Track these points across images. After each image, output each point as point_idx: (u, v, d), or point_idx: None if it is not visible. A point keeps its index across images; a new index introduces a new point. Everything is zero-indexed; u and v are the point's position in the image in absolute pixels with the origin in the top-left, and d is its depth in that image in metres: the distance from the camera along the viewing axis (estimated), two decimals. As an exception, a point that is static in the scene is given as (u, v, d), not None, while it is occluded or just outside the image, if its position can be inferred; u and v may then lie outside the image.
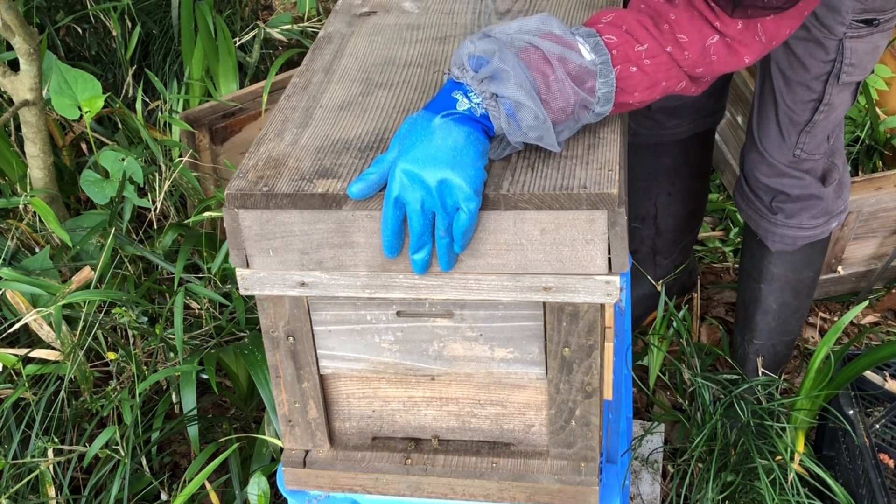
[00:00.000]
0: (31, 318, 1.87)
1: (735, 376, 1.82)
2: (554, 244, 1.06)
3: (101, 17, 2.75)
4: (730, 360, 1.99)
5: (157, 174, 2.24)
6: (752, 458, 1.64)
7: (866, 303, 1.85)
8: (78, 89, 2.15)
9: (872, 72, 1.59)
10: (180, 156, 2.33)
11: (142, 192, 2.25)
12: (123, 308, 1.90)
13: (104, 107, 2.34)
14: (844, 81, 1.55)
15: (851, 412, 1.72)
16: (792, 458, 1.68)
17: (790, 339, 1.95)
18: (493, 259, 1.08)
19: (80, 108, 2.15)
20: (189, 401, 1.82)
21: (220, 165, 2.47)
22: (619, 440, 1.43)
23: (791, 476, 1.63)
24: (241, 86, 2.68)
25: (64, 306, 1.86)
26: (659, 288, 2.05)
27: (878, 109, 2.40)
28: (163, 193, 2.22)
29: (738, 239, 2.48)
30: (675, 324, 2.02)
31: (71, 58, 2.79)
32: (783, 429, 1.70)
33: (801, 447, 1.77)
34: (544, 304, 1.12)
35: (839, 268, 2.25)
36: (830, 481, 1.66)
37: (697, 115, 1.97)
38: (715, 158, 2.52)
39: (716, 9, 1.09)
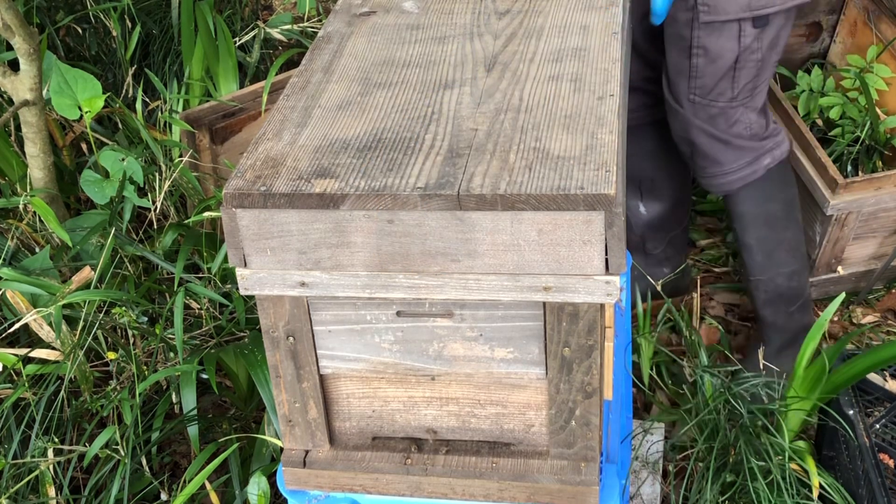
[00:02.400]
0: (31, 318, 1.87)
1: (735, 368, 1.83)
2: (551, 245, 1.06)
3: (102, 17, 2.75)
4: (729, 356, 2.00)
5: (157, 174, 2.24)
6: (749, 459, 1.64)
7: (843, 296, 1.85)
8: (78, 89, 2.15)
9: (742, 21, 1.69)
10: (180, 156, 2.33)
11: (142, 192, 2.25)
12: (123, 308, 1.90)
13: (104, 107, 2.34)
14: (704, 21, 1.68)
15: (851, 412, 1.72)
16: (791, 460, 1.68)
17: (787, 271, 2.00)
18: (490, 259, 1.08)
19: (80, 109, 2.15)
20: (189, 401, 1.82)
21: (220, 165, 2.47)
22: (619, 440, 1.43)
23: (787, 474, 1.63)
24: (241, 86, 2.68)
25: (64, 306, 1.86)
26: (658, 287, 2.06)
27: (878, 109, 2.40)
28: (163, 193, 2.22)
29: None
30: (674, 322, 2.03)
31: (71, 58, 2.79)
32: (779, 429, 1.70)
33: (803, 448, 1.77)
34: (544, 304, 1.12)
35: (839, 268, 2.25)
36: (829, 480, 1.66)
37: (646, 104, 2.03)
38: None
39: None
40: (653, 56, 1.96)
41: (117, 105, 2.44)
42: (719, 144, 1.83)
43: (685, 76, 1.77)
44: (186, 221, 2.15)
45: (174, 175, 2.21)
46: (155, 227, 2.27)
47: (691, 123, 1.81)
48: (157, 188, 2.23)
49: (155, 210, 2.25)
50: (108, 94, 2.30)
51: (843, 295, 1.82)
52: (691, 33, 1.71)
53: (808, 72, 2.55)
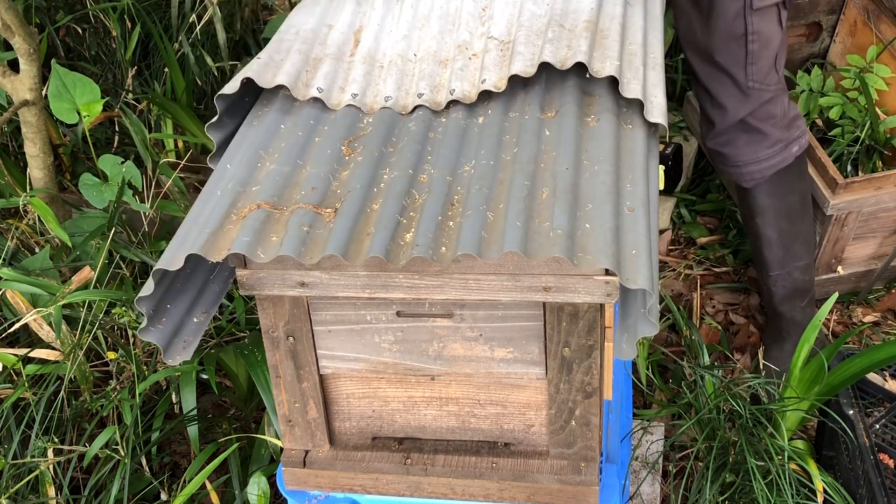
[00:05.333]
0: (31, 318, 1.87)
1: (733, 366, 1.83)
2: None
3: (101, 17, 2.75)
4: (729, 356, 1.99)
5: (149, 176, 2.24)
6: (749, 459, 1.64)
7: (836, 296, 1.85)
8: (76, 93, 2.13)
9: (779, 5, 1.79)
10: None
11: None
12: (123, 308, 1.90)
13: (103, 110, 2.33)
14: (758, 7, 1.76)
15: (851, 412, 1.72)
16: (790, 460, 1.68)
17: (802, 263, 2.06)
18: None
19: (78, 113, 2.14)
20: (189, 401, 1.82)
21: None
22: (619, 440, 1.43)
23: (787, 474, 1.63)
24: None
25: (64, 306, 1.86)
26: (658, 287, 2.06)
27: (878, 109, 2.40)
28: (158, 199, 2.21)
29: (738, 241, 2.48)
30: (674, 322, 2.03)
31: (71, 58, 2.79)
32: (777, 428, 1.70)
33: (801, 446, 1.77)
34: (544, 304, 1.12)
35: (839, 268, 2.25)
36: (829, 480, 1.66)
37: None
38: (715, 158, 2.52)
39: None
40: None
41: (116, 109, 2.43)
42: (759, 134, 1.90)
43: (742, 65, 1.83)
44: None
45: (168, 183, 2.20)
46: (155, 228, 2.27)
47: (745, 114, 1.88)
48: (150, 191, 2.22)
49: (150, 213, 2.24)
50: (107, 98, 2.29)
51: (836, 295, 1.83)
52: (745, 21, 1.78)
53: (808, 72, 2.55)
